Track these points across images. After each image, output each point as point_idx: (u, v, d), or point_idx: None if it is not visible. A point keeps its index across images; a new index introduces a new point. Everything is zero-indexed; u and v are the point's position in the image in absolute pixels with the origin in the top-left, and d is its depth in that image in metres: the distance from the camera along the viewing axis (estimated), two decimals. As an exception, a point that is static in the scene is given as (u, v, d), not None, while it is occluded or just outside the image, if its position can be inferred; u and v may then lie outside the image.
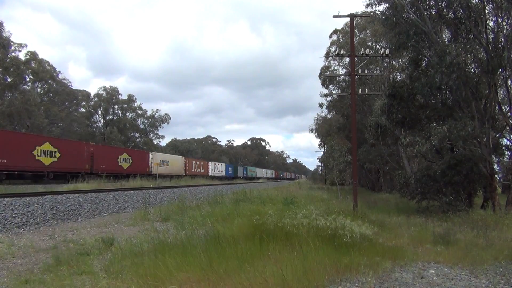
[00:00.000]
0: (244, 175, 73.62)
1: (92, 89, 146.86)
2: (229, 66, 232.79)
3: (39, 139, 27.68)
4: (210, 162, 60.60)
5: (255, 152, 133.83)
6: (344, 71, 32.69)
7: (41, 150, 26.63)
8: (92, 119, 67.25)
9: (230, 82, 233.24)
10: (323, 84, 36.80)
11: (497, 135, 16.51)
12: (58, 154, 28.09)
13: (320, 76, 36.95)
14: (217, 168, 60.03)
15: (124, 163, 36.67)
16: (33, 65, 49.04)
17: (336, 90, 35.91)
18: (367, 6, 18.80)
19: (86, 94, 65.49)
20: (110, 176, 32.57)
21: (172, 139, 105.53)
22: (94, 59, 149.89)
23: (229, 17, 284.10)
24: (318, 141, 60.90)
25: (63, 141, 31.21)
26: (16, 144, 24.87)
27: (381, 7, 17.75)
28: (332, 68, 36.06)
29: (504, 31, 14.07)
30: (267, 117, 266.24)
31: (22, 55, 47.78)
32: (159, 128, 74.91)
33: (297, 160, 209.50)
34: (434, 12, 15.61)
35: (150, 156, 41.93)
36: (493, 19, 14.69)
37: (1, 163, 23.45)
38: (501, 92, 18.32)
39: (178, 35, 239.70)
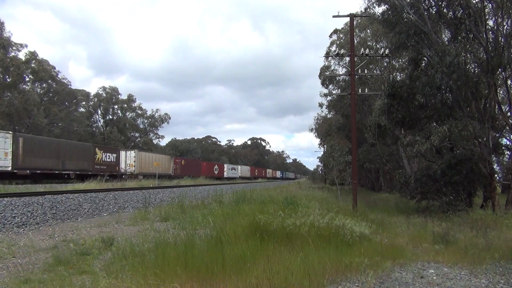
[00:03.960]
0: (286, 176, 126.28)
1: (93, 89, 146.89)
2: (231, 65, 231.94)
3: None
4: (277, 171, 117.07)
5: (255, 152, 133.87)
6: (344, 70, 32.70)
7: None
8: (92, 119, 67.29)
9: (232, 82, 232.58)
10: (323, 84, 36.84)
11: (497, 135, 16.50)
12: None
13: (320, 75, 36.99)
14: (278, 173, 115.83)
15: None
16: (32, 65, 49.03)
17: (336, 90, 35.88)
18: (366, 9, 18.75)
19: (85, 94, 65.48)
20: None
21: (172, 139, 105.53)
22: (94, 58, 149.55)
23: (231, 16, 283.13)
24: (318, 140, 62.76)
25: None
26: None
27: (380, 9, 17.76)
28: (332, 67, 36.13)
29: (504, 31, 14.08)
30: (268, 117, 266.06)
31: (22, 55, 47.87)
32: (159, 128, 75.18)
33: (297, 160, 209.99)
34: (434, 12, 15.62)
35: (270, 172, 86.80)
36: (493, 18, 14.70)
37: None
38: (501, 92, 18.35)
39: (180, 33, 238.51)
